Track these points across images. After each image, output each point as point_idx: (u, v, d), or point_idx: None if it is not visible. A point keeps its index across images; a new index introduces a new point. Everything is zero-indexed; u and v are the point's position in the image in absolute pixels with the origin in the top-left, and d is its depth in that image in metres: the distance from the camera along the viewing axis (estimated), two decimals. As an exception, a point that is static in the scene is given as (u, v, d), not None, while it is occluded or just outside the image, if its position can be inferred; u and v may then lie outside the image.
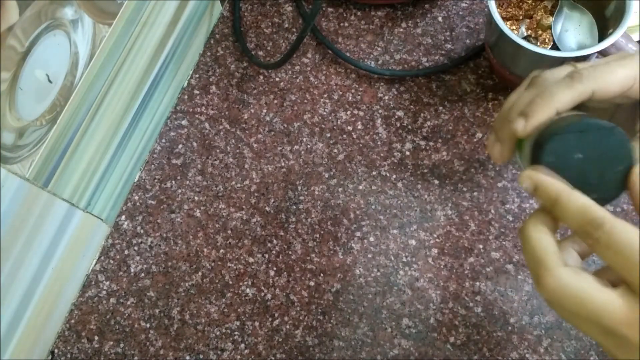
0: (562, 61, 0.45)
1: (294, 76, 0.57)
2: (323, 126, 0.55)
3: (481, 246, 0.49)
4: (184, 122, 0.56)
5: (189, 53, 0.56)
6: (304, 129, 0.55)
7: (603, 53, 0.45)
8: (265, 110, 0.56)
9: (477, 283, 0.48)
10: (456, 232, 0.50)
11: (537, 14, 0.51)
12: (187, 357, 0.48)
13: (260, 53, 0.58)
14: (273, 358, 0.48)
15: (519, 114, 0.32)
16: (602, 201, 0.28)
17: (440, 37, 0.57)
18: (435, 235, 0.50)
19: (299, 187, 0.53)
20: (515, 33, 0.46)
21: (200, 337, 0.49)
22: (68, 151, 0.44)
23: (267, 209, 0.52)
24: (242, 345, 0.48)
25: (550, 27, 0.49)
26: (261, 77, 0.57)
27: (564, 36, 0.49)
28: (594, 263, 0.48)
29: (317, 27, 0.58)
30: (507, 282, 0.48)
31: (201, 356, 0.48)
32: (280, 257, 0.51)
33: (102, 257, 0.52)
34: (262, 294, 0.50)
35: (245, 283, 0.50)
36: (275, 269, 0.50)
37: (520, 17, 0.51)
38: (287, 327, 0.49)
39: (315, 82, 0.56)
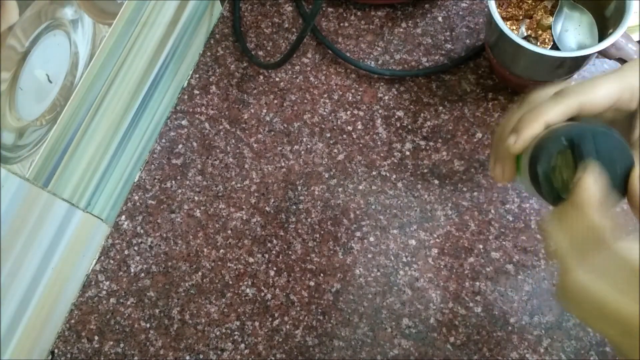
0: (562, 61, 0.46)
1: (294, 76, 0.57)
2: (323, 126, 0.55)
3: (481, 246, 0.49)
4: (184, 122, 0.56)
5: (189, 53, 0.56)
6: (304, 129, 0.55)
7: (603, 53, 0.45)
8: (265, 110, 0.56)
9: (477, 283, 0.48)
10: (456, 232, 0.50)
11: (537, 14, 0.51)
12: (187, 357, 0.48)
13: (260, 53, 0.58)
14: (273, 358, 0.48)
15: (510, 132, 0.34)
16: None
17: (440, 37, 0.57)
18: (435, 235, 0.50)
19: (299, 187, 0.53)
20: (515, 33, 0.46)
21: (200, 337, 0.49)
22: (68, 151, 0.44)
23: (267, 209, 0.52)
24: (242, 345, 0.48)
25: (550, 27, 0.49)
26: (261, 77, 0.57)
27: (564, 36, 0.49)
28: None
29: (317, 27, 0.58)
30: (507, 282, 0.48)
31: (201, 356, 0.48)
32: (280, 257, 0.51)
33: (102, 257, 0.52)
34: (262, 294, 0.50)
35: (245, 283, 0.50)
36: (275, 269, 0.50)
37: (520, 17, 0.51)
38: (287, 327, 0.49)
39: (315, 82, 0.56)
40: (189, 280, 0.51)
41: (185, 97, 0.57)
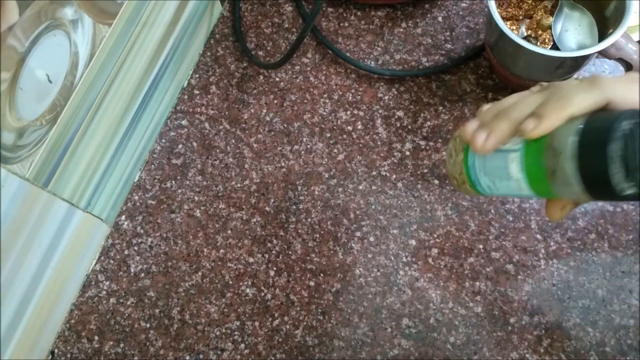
0: (562, 61, 0.46)
1: (294, 76, 0.57)
2: (323, 126, 0.55)
3: (481, 246, 0.49)
4: (184, 122, 0.56)
5: (189, 53, 0.56)
6: (304, 129, 0.55)
7: (603, 53, 0.45)
8: (265, 110, 0.56)
9: (477, 283, 0.48)
10: (456, 232, 0.50)
11: (537, 14, 0.51)
12: (187, 357, 0.48)
13: (260, 53, 0.58)
14: (273, 358, 0.48)
15: (530, 115, 0.30)
16: None
17: (440, 37, 0.57)
18: (435, 235, 0.50)
19: (299, 187, 0.53)
20: (515, 33, 0.46)
21: (200, 337, 0.49)
22: (68, 151, 0.44)
23: (267, 209, 0.52)
24: (242, 345, 0.48)
25: (550, 27, 0.49)
26: (261, 77, 0.57)
27: (564, 36, 0.49)
28: (594, 263, 0.48)
29: (317, 27, 0.58)
30: (507, 282, 0.48)
31: (201, 356, 0.48)
32: (280, 257, 0.51)
33: (102, 257, 0.52)
34: (262, 294, 0.50)
35: (245, 283, 0.50)
36: (275, 269, 0.50)
37: (520, 17, 0.51)
38: (287, 327, 0.49)
39: (315, 82, 0.56)
40: (189, 280, 0.51)
41: (185, 97, 0.57)
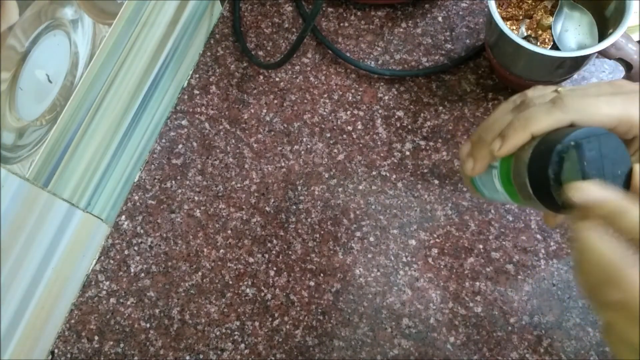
0: (562, 61, 0.46)
1: (294, 76, 0.57)
2: (323, 126, 0.55)
3: (481, 246, 0.49)
4: (184, 122, 0.56)
5: (189, 53, 0.56)
6: (304, 129, 0.55)
7: (603, 53, 0.45)
8: (265, 110, 0.56)
9: (477, 283, 0.48)
10: (456, 232, 0.50)
11: (537, 14, 0.51)
12: (187, 357, 0.48)
13: (260, 53, 0.58)
14: (273, 358, 0.48)
15: (497, 136, 0.32)
16: None
17: (440, 37, 0.57)
18: (435, 235, 0.50)
19: (299, 187, 0.53)
20: (515, 33, 0.46)
21: (200, 337, 0.49)
22: (68, 151, 0.44)
23: (267, 209, 0.52)
24: (242, 345, 0.48)
25: (550, 27, 0.49)
26: (261, 77, 0.57)
27: (564, 36, 0.49)
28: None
29: (317, 27, 0.58)
30: (507, 282, 0.48)
31: (201, 356, 0.48)
32: (280, 257, 0.51)
33: (102, 257, 0.52)
34: (262, 294, 0.50)
35: (245, 283, 0.50)
36: (275, 269, 0.50)
37: (520, 17, 0.51)
38: (287, 327, 0.49)
39: (315, 82, 0.56)
40: (189, 280, 0.51)
41: (185, 97, 0.57)
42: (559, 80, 0.50)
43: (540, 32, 0.50)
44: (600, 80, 0.54)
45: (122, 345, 0.49)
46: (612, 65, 0.54)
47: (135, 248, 0.52)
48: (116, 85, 0.46)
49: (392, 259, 0.50)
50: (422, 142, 0.53)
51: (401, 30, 0.58)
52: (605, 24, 0.47)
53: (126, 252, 0.52)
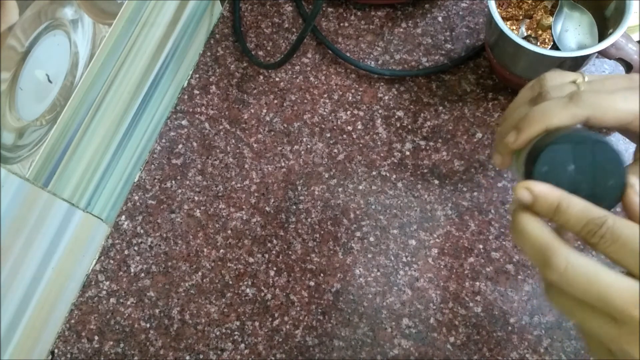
0: (562, 61, 0.46)
1: (294, 76, 0.57)
2: (323, 126, 0.55)
3: (481, 246, 0.49)
4: (184, 122, 0.56)
5: (189, 53, 0.56)
6: (304, 129, 0.55)
7: (603, 53, 0.45)
8: (265, 110, 0.56)
9: (477, 283, 0.48)
10: (456, 232, 0.50)
11: (537, 14, 0.51)
12: (187, 357, 0.48)
13: (260, 53, 0.58)
14: (273, 358, 0.48)
15: (513, 128, 0.33)
16: None
17: (440, 37, 0.57)
18: (435, 235, 0.50)
19: (299, 187, 0.53)
20: (515, 33, 0.46)
21: (200, 337, 0.49)
22: (68, 151, 0.44)
23: (267, 209, 0.52)
24: (242, 345, 0.48)
25: (550, 27, 0.49)
26: (261, 77, 0.57)
27: (564, 36, 0.49)
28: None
29: (317, 27, 0.58)
30: (507, 282, 0.48)
31: (201, 356, 0.48)
32: (280, 257, 0.51)
33: (102, 257, 0.52)
34: (262, 294, 0.50)
35: (245, 283, 0.50)
36: (275, 269, 0.50)
37: (520, 17, 0.51)
38: (287, 327, 0.49)
39: (315, 82, 0.56)
40: (189, 280, 0.51)
41: (185, 97, 0.57)
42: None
43: (540, 32, 0.50)
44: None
45: (122, 345, 0.49)
46: (612, 65, 0.54)
47: (135, 248, 0.52)
48: (116, 85, 0.46)
49: (392, 259, 0.50)
50: (422, 142, 0.53)
51: (401, 30, 0.58)
52: (605, 24, 0.47)
53: (126, 252, 0.52)
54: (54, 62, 0.39)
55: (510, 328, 0.47)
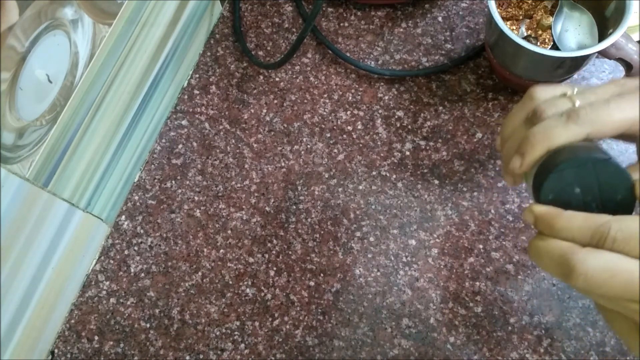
0: (562, 61, 0.46)
1: (294, 76, 0.57)
2: (323, 126, 0.55)
3: (481, 246, 0.49)
4: (184, 122, 0.56)
5: (189, 53, 0.56)
6: (304, 129, 0.55)
7: (603, 53, 0.45)
8: (265, 110, 0.56)
9: (477, 283, 0.48)
10: (456, 232, 0.50)
11: (537, 14, 0.51)
12: (187, 357, 0.48)
13: (260, 53, 0.58)
14: (273, 358, 0.48)
15: (515, 152, 0.33)
16: None
17: (440, 37, 0.57)
18: (435, 235, 0.50)
19: (299, 187, 0.53)
20: (515, 33, 0.46)
21: (200, 337, 0.49)
22: (68, 151, 0.44)
23: (267, 209, 0.52)
24: (242, 345, 0.48)
25: (550, 27, 0.49)
26: (261, 77, 0.57)
27: (564, 36, 0.49)
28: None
29: (317, 27, 0.58)
30: (507, 282, 0.48)
31: (201, 356, 0.48)
32: (280, 257, 0.51)
33: (102, 257, 0.52)
34: (262, 294, 0.50)
35: (245, 283, 0.50)
36: (275, 269, 0.50)
37: (520, 17, 0.51)
38: (287, 327, 0.49)
39: (315, 82, 0.56)
40: (189, 280, 0.51)
41: (185, 97, 0.57)
42: (559, 80, 0.50)
43: (540, 32, 0.50)
44: (603, 82, 0.54)
45: (122, 345, 0.49)
46: (612, 65, 0.54)
47: (135, 248, 0.52)
48: (116, 85, 0.46)
49: (392, 259, 0.50)
50: (422, 142, 0.53)
51: (401, 30, 0.58)
52: (605, 24, 0.47)
53: (126, 252, 0.52)
54: (54, 62, 0.39)
55: (510, 328, 0.47)
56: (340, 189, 0.52)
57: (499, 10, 0.49)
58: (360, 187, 0.52)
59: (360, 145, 0.54)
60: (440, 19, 0.58)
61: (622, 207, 0.29)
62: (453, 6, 0.58)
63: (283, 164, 0.54)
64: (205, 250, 0.51)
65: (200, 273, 0.51)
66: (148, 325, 0.50)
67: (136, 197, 0.54)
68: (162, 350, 0.49)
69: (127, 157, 0.52)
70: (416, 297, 0.48)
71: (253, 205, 0.53)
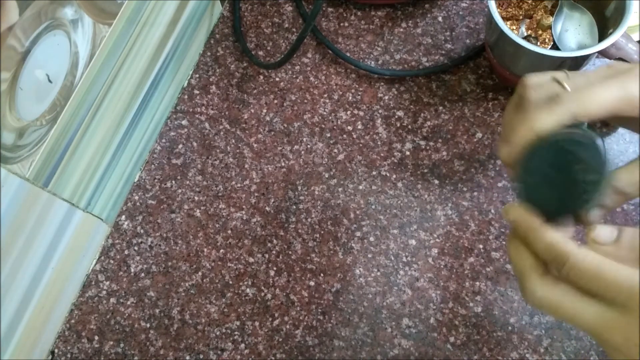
0: (562, 61, 0.46)
1: (294, 76, 0.57)
2: (323, 126, 0.55)
3: (481, 246, 0.49)
4: (184, 122, 0.56)
5: (189, 53, 0.56)
6: (304, 129, 0.55)
7: (603, 53, 0.45)
8: (265, 110, 0.56)
9: (477, 283, 0.48)
10: (456, 232, 0.50)
11: (537, 14, 0.51)
12: (187, 357, 0.48)
13: (260, 53, 0.58)
14: (273, 358, 0.48)
15: (501, 140, 0.33)
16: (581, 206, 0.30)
17: (440, 37, 0.57)
18: (435, 235, 0.50)
19: (299, 187, 0.53)
20: (515, 33, 0.46)
21: (200, 337, 0.49)
22: (68, 151, 0.44)
23: (267, 209, 0.52)
24: (242, 345, 0.48)
25: (550, 27, 0.49)
26: (261, 77, 0.57)
27: (564, 36, 0.49)
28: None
29: (317, 27, 0.58)
30: (507, 282, 0.48)
31: (201, 356, 0.48)
32: (280, 257, 0.51)
33: (102, 257, 0.52)
34: (262, 294, 0.50)
35: (245, 283, 0.50)
36: (275, 269, 0.50)
37: (520, 17, 0.51)
38: (287, 327, 0.49)
39: (315, 82, 0.56)
40: (189, 280, 0.51)
41: (185, 97, 0.57)
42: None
43: (540, 32, 0.50)
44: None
45: (122, 345, 0.49)
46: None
47: (135, 248, 0.52)
48: (116, 85, 0.46)
49: (392, 259, 0.50)
50: (422, 142, 0.53)
51: (401, 30, 0.58)
52: (605, 24, 0.47)
53: (126, 252, 0.52)
54: (54, 62, 0.39)
55: (510, 328, 0.47)
56: (340, 189, 0.52)
57: (499, 10, 0.49)
58: (361, 187, 0.52)
59: (360, 145, 0.54)
60: (440, 18, 0.58)
61: (592, 187, 0.29)
62: (453, 6, 0.58)
63: (283, 164, 0.54)
64: (205, 250, 0.51)
65: (200, 273, 0.51)
66: (148, 325, 0.50)
67: (136, 197, 0.54)
68: (162, 350, 0.49)
69: (127, 157, 0.52)
70: (416, 297, 0.48)
71: (253, 205, 0.53)
